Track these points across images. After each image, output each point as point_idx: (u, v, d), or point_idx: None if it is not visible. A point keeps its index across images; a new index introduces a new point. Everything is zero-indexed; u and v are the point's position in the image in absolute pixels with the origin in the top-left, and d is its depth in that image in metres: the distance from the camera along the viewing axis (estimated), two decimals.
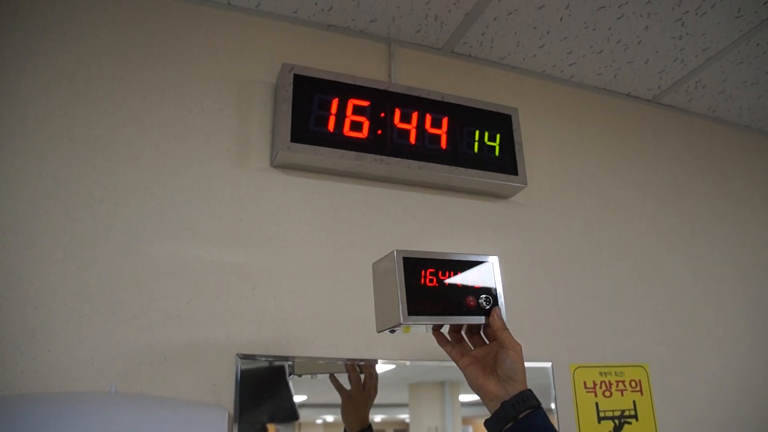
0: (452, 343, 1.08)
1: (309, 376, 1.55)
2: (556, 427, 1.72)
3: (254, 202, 1.66)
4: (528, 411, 0.96)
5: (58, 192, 1.48)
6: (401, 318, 0.95)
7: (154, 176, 1.58)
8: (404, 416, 1.63)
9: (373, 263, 1.06)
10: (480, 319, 1.02)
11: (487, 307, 1.02)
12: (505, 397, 0.99)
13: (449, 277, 1.02)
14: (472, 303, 1.01)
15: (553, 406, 1.76)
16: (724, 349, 2.13)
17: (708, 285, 2.20)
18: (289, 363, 1.53)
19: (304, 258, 1.65)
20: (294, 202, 1.70)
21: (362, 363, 1.55)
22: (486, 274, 1.05)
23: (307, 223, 1.69)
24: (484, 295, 1.02)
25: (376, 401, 1.55)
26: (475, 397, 1.71)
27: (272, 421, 1.50)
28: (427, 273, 1.00)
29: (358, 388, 1.53)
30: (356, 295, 1.66)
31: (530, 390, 0.99)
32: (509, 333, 1.02)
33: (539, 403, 0.98)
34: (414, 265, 0.99)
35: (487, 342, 1.07)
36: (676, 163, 2.36)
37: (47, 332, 1.37)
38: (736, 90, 2.29)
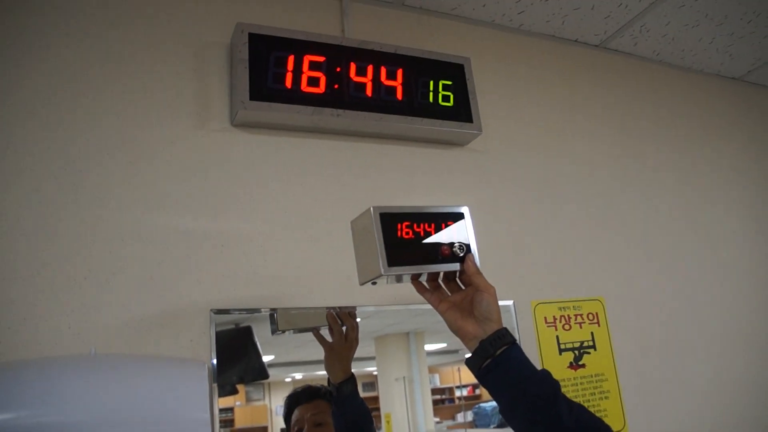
0: (430, 290, 1.13)
1: (291, 331, 1.60)
2: None
3: (217, 162, 1.68)
4: (504, 347, 1.03)
5: (22, 163, 1.48)
6: (382, 269, 1.01)
7: (116, 143, 1.59)
8: (371, 369, 1.69)
9: (352, 221, 1.11)
10: (455, 266, 1.07)
11: (461, 254, 1.07)
12: (482, 336, 1.04)
13: (424, 228, 1.07)
14: (446, 251, 1.07)
15: (518, 341, 1.86)
16: (673, 277, 2.27)
17: (658, 219, 2.33)
18: (271, 315, 1.57)
19: (271, 214, 1.69)
20: (257, 160, 1.72)
21: (340, 310, 1.60)
22: (458, 224, 1.10)
23: (271, 179, 1.72)
24: (457, 243, 1.08)
25: None
26: (439, 346, 1.81)
27: (242, 381, 1.54)
28: (403, 226, 1.05)
29: (340, 340, 1.57)
30: (324, 246, 1.71)
31: (506, 328, 1.06)
32: (483, 277, 1.08)
33: (514, 339, 1.05)
34: (390, 220, 1.04)
35: (463, 287, 1.12)
36: (624, 105, 2.45)
37: (22, 302, 1.38)
38: (679, 33, 2.37)
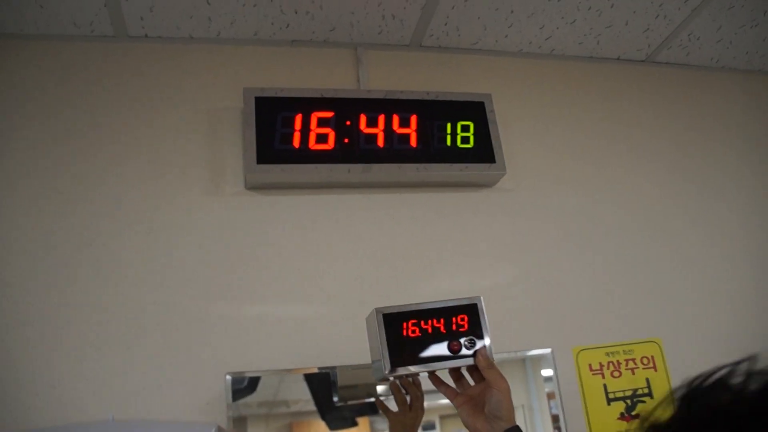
0: (445, 384, 1.09)
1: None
2: (561, 415, 1.69)
3: (232, 226, 1.72)
4: None
5: (49, 241, 1.60)
6: (385, 371, 1.02)
7: (137, 216, 1.68)
8: None
9: (366, 317, 1.10)
10: (467, 361, 1.04)
11: (470, 350, 1.05)
12: None
13: (432, 324, 1.05)
14: (455, 347, 1.04)
15: (557, 393, 1.73)
16: (739, 315, 2.00)
17: (723, 250, 2.07)
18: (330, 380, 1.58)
19: (285, 273, 1.70)
20: (271, 221, 1.75)
21: (403, 379, 1.53)
22: (471, 314, 1.07)
23: (284, 239, 1.73)
24: (464, 339, 1.05)
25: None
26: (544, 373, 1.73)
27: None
28: (409, 324, 1.04)
29: (405, 410, 1.49)
30: (338, 303, 1.69)
31: (517, 427, 1.00)
32: (495, 371, 1.03)
33: None
34: (395, 320, 1.04)
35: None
36: (679, 121, 2.23)
37: (49, 370, 1.49)
38: (735, 36, 2.14)
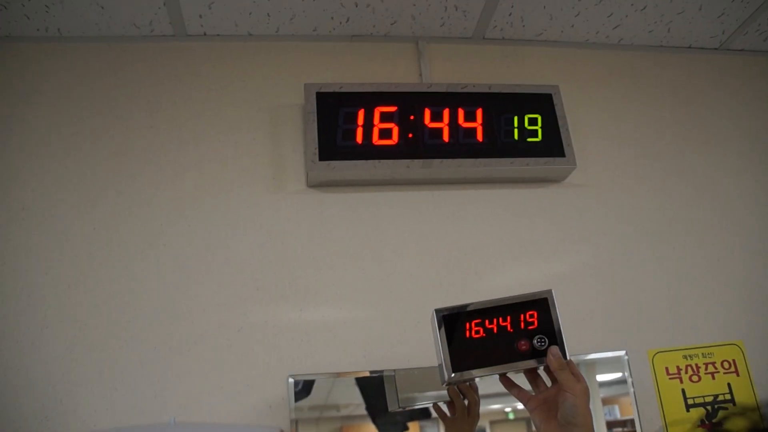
0: (518, 386, 1.01)
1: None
2: (637, 421, 1.61)
3: (293, 225, 1.69)
4: None
5: (110, 242, 1.60)
6: (446, 376, 0.95)
7: (197, 215, 1.66)
8: None
9: (430, 317, 1.02)
10: (533, 363, 0.96)
11: (543, 347, 0.95)
12: None
13: (498, 323, 0.97)
14: (524, 347, 0.96)
15: (631, 398, 1.65)
16: None
17: None
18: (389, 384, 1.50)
19: (348, 274, 1.66)
20: (333, 219, 1.71)
21: (462, 384, 1.48)
22: (541, 310, 0.98)
23: (348, 238, 1.69)
24: (538, 336, 0.96)
25: None
26: (614, 376, 1.65)
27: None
28: (473, 325, 0.97)
29: (463, 415, 1.46)
30: (406, 305, 1.64)
31: None
32: (568, 372, 0.94)
33: None
34: (456, 320, 0.97)
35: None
36: (756, 112, 2.11)
37: (111, 372, 1.48)
38: None
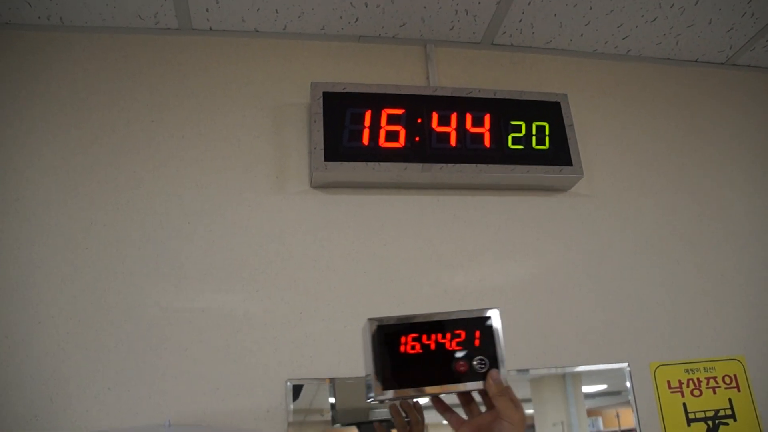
0: (450, 410, 0.94)
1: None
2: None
3: (295, 226, 1.66)
4: None
5: (107, 239, 1.55)
6: (374, 393, 0.86)
7: (197, 213, 1.62)
8: (529, 411, 1.58)
9: (362, 327, 0.93)
10: (476, 385, 0.88)
11: (483, 370, 0.88)
12: None
13: (436, 340, 0.89)
14: (462, 368, 0.88)
15: (632, 411, 1.63)
16: None
17: None
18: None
19: (351, 276, 1.63)
20: (336, 221, 1.68)
21: (403, 401, 1.42)
22: (484, 331, 0.91)
23: (351, 240, 1.66)
24: (479, 357, 0.89)
25: None
26: (599, 388, 1.64)
27: None
28: (408, 339, 0.89)
29: None
30: (409, 309, 1.61)
31: None
32: (507, 399, 0.87)
33: None
34: (391, 333, 0.89)
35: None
36: (762, 127, 2.11)
37: (106, 370, 1.44)
38: None
